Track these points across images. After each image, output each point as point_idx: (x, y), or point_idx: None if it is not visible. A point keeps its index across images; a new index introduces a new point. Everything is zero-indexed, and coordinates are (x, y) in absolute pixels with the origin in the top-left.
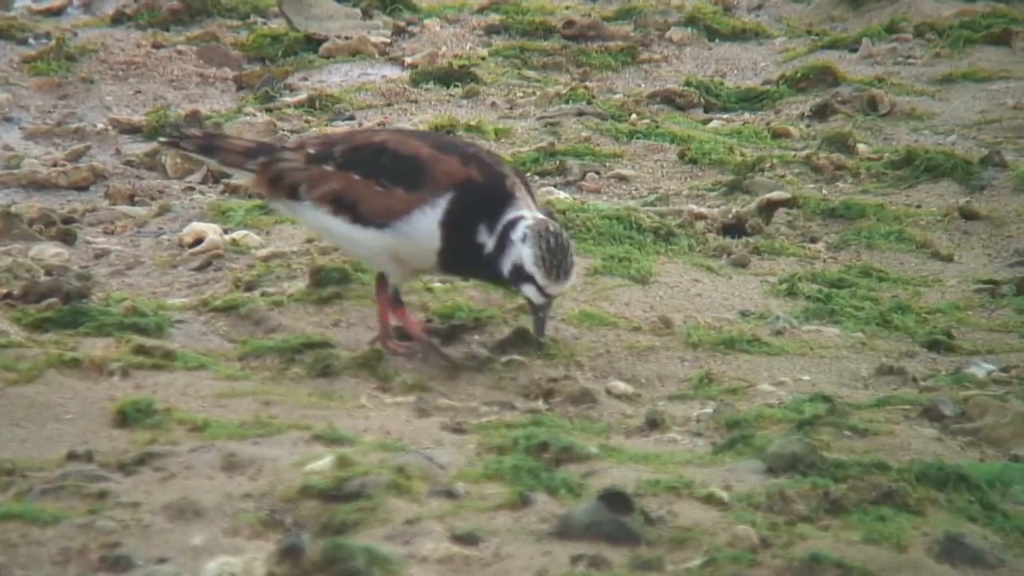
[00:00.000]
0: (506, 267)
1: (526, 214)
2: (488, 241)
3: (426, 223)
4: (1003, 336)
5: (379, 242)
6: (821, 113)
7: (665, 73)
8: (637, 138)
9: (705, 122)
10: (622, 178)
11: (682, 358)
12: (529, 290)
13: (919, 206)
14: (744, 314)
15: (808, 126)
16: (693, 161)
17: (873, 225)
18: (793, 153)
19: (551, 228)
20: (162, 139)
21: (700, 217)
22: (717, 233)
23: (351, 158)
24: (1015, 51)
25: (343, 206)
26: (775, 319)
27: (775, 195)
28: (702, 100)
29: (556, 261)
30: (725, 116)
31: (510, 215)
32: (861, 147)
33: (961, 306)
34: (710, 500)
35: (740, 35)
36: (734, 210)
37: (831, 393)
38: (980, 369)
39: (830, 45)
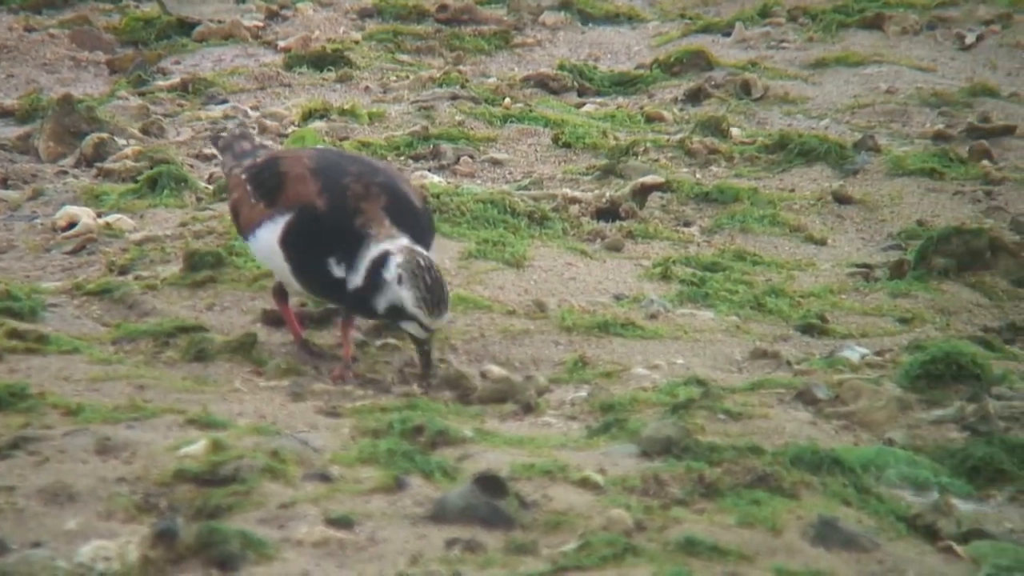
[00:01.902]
0: (381, 305)
1: (390, 247)
2: (352, 277)
3: (268, 238)
4: (877, 320)
5: (253, 251)
6: (695, 97)
7: (538, 57)
8: (511, 122)
9: (579, 106)
10: (496, 162)
11: (556, 342)
12: (411, 327)
13: (792, 190)
14: (618, 298)
15: (681, 110)
16: (567, 145)
17: (747, 209)
18: (667, 137)
19: (422, 263)
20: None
21: (574, 201)
22: (591, 217)
23: (255, 170)
24: (888, 35)
25: (234, 215)
26: (649, 303)
27: (649, 179)
28: (576, 84)
29: (435, 298)
30: (599, 100)
31: (373, 251)
32: (734, 131)
33: (835, 290)
34: (584, 484)
35: (614, 19)
36: (608, 194)
37: (705, 376)
38: (854, 353)
39: (703, 29)
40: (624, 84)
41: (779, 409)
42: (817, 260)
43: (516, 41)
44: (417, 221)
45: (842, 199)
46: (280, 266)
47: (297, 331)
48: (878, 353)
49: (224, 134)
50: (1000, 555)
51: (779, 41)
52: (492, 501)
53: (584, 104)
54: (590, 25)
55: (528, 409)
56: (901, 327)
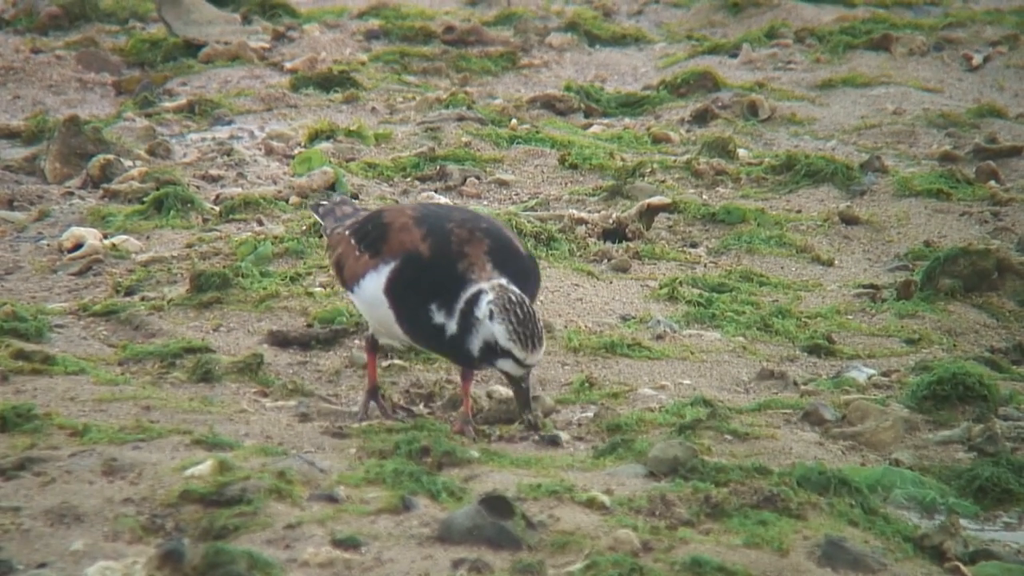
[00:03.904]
0: (476, 346)
1: (484, 287)
2: (449, 323)
3: (373, 287)
4: (883, 340)
5: (356, 303)
6: (701, 118)
7: (545, 78)
8: (517, 143)
9: (585, 127)
10: (502, 183)
11: (563, 362)
12: (506, 364)
13: (799, 211)
14: (625, 319)
15: (688, 131)
16: (573, 166)
17: (753, 230)
18: (673, 158)
19: (513, 298)
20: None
21: (581, 222)
22: (598, 238)
23: (357, 225)
24: (895, 56)
25: (337, 270)
26: (656, 323)
27: (655, 200)
28: (582, 105)
29: (528, 331)
30: (605, 121)
31: (469, 291)
32: (741, 152)
33: (841, 310)
34: (591, 504)
35: (620, 40)
36: (614, 215)
37: (712, 397)
38: (861, 373)
39: (710, 50)
40: (631, 105)
41: (786, 429)
42: (824, 281)
43: (523, 62)
44: (520, 265)
45: (849, 220)
46: (384, 315)
47: (374, 379)
48: (885, 374)
49: (324, 202)
50: None
51: (786, 62)
52: (498, 522)
53: (591, 125)
54: (597, 46)
55: (535, 429)
56: (908, 348)
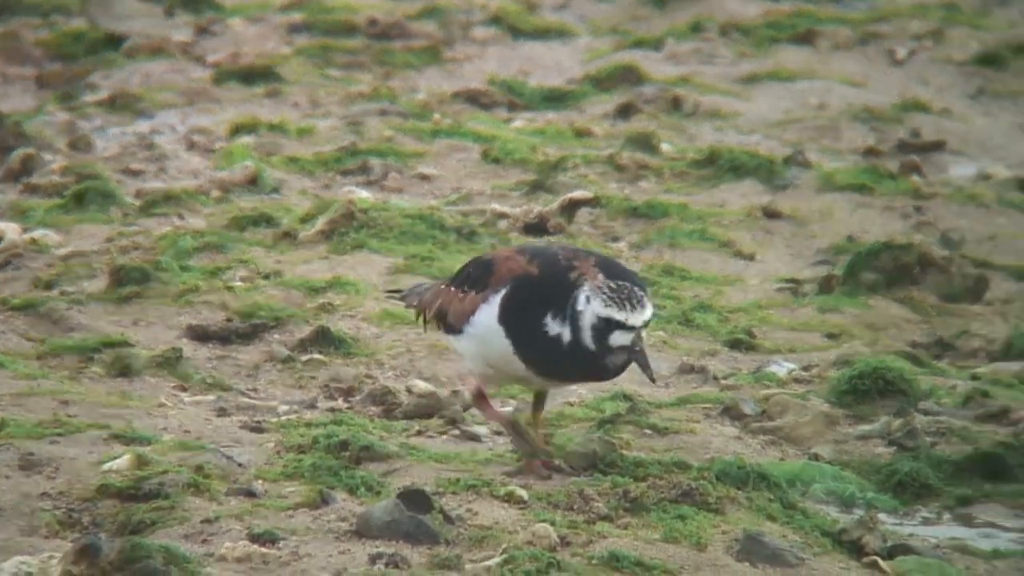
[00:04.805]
0: (588, 338)
1: (586, 285)
2: (564, 330)
3: (486, 319)
4: (804, 335)
5: (465, 348)
6: (625, 112)
7: (469, 72)
8: (440, 137)
9: (508, 121)
10: (425, 177)
11: None
12: (619, 337)
13: (722, 206)
14: None
15: (612, 125)
16: (496, 160)
17: (676, 224)
18: (596, 152)
19: (611, 284)
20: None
21: (503, 216)
22: (520, 232)
23: (453, 277)
24: (820, 51)
25: (441, 318)
26: None
27: (578, 194)
28: (506, 99)
29: (624, 295)
30: (529, 116)
31: (575, 295)
32: (665, 147)
33: (763, 305)
34: (510, 499)
35: (545, 34)
36: (537, 209)
37: (632, 392)
38: (781, 368)
39: (635, 44)
40: (554, 99)
41: (705, 424)
42: (746, 275)
43: (446, 56)
44: (631, 276)
45: (772, 214)
46: (499, 347)
47: (502, 416)
48: (805, 368)
49: (403, 289)
50: (925, 570)
51: (711, 56)
52: (416, 516)
53: (514, 119)
54: (521, 40)
55: (454, 424)
56: (829, 342)
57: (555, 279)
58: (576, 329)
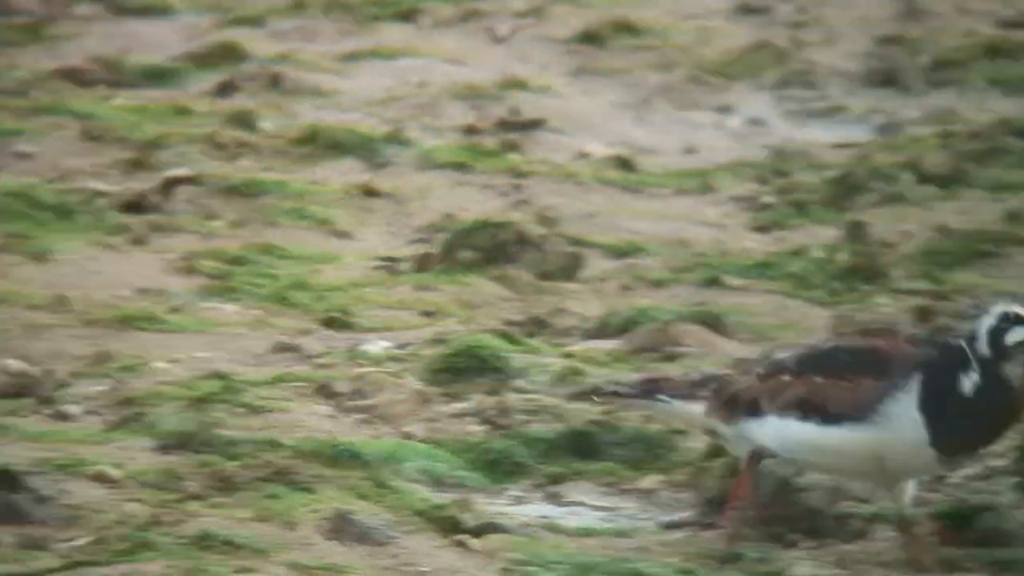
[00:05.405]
0: (999, 355)
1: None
2: (969, 380)
3: (902, 408)
4: (400, 313)
5: (857, 438)
6: (225, 90)
7: (70, 49)
8: (39, 114)
9: (109, 99)
10: (22, 155)
11: (77, 336)
12: (1020, 331)
13: (321, 183)
14: (142, 291)
15: (212, 103)
16: (96, 138)
17: (274, 203)
18: (197, 130)
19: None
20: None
21: (101, 194)
22: (118, 210)
23: (807, 364)
24: (421, 28)
25: (811, 408)
26: (173, 296)
27: (176, 172)
28: (107, 77)
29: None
30: (130, 93)
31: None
32: (265, 124)
33: (360, 283)
34: (101, 478)
35: (148, 11)
36: (135, 188)
37: (227, 370)
38: (376, 346)
39: (236, 21)
40: (156, 77)
41: (299, 403)
42: (344, 254)
43: (48, 33)
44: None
45: (371, 192)
46: (910, 438)
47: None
48: (400, 347)
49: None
50: (514, 548)
51: (313, 33)
52: (6, 495)
53: (114, 97)
54: (123, 18)
55: (48, 402)
56: (425, 320)
57: (952, 349)
58: (990, 357)
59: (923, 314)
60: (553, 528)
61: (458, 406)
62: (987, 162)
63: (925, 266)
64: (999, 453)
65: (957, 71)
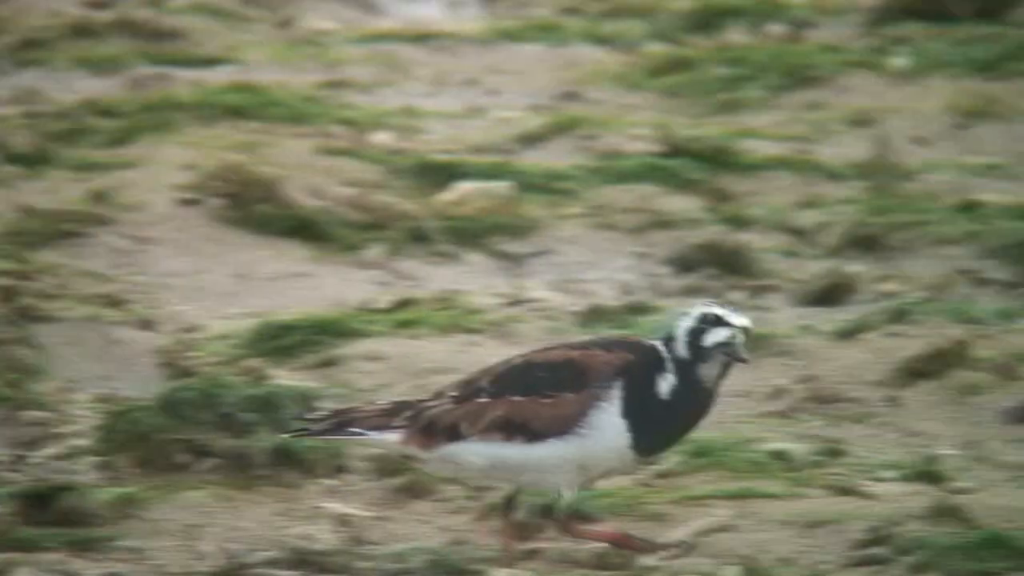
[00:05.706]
0: (696, 357)
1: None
2: (665, 382)
3: (606, 418)
4: None
5: (564, 453)
6: None
7: None
8: None
9: None
10: None
11: None
12: (718, 332)
13: None
14: None
15: None
16: None
17: None
18: None
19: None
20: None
21: None
22: None
23: (504, 384)
24: None
25: (514, 429)
26: None
27: None
28: None
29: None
30: None
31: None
32: None
33: None
34: None
35: None
36: None
37: None
38: None
39: None
40: None
41: None
42: None
43: None
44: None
45: None
46: (614, 443)
47: (613, 535)
48: None
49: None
50: None
51: None
52: None
53: None
54: None
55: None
56: None
57: (649, 355)
58: (690, 361)
59: (6, 294)
60: None
61: None
62: (72, 141)
63: (10, 246)
64: (80, 433)
65: (43, 51)
